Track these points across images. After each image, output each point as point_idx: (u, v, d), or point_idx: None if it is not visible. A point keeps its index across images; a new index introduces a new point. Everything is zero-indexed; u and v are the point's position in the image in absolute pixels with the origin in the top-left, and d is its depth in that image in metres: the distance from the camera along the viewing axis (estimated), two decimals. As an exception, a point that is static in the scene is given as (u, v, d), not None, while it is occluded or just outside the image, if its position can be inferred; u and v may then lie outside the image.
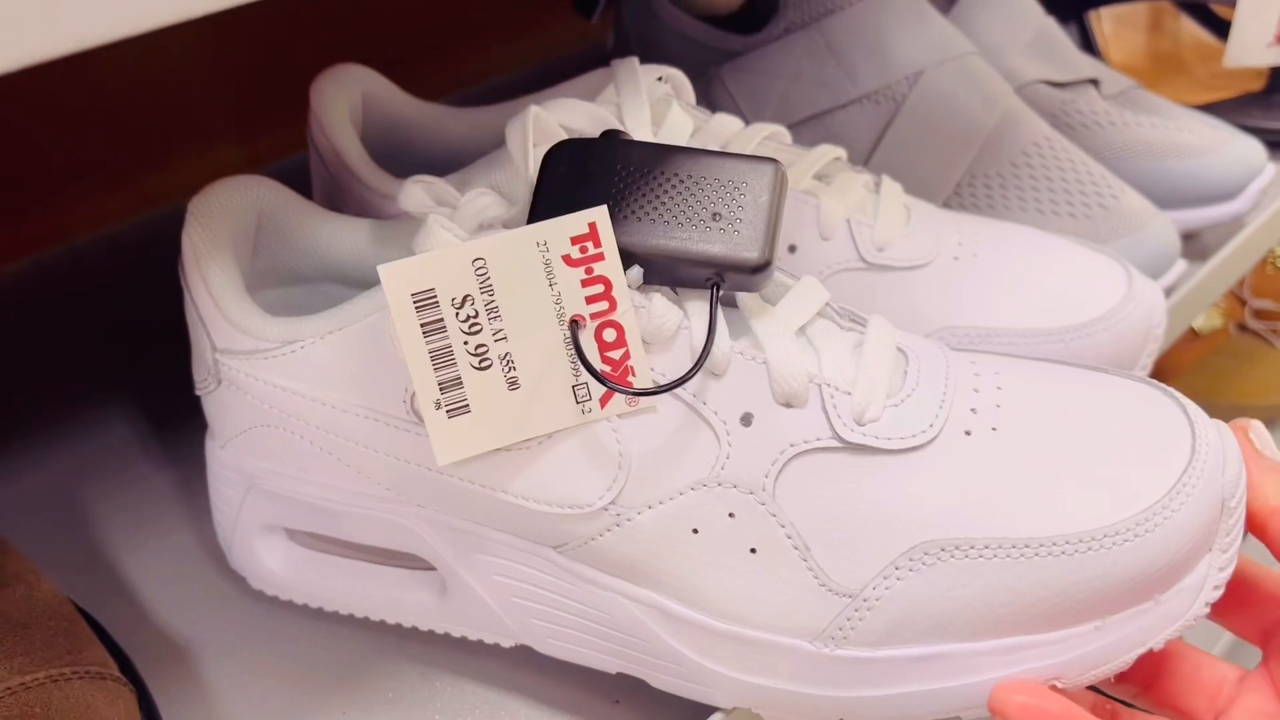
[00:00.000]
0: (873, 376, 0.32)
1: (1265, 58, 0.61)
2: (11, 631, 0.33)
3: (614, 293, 0.31)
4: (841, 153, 0.44)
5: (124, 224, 0.61)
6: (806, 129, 0.52)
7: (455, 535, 0.35)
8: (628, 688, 0.36)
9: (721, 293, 0.32)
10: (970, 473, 0.31)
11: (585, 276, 0.31)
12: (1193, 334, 0.96)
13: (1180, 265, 0.50)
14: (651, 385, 0.31)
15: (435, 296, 0.30)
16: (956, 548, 0.30)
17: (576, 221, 0.30)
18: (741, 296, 0.33)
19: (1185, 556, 0.30)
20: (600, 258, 0.31)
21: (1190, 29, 0.74)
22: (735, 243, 0.31)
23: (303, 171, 0.46)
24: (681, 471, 0.31)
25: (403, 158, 0.45)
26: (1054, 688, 0.30)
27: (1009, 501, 0.30)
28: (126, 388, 0.50)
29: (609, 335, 0.31)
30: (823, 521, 0.31)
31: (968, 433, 0.31)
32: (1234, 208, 0.55)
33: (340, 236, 0.39)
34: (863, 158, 0.52)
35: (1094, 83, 0.59)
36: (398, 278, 0.29)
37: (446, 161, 0.45)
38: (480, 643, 0.37)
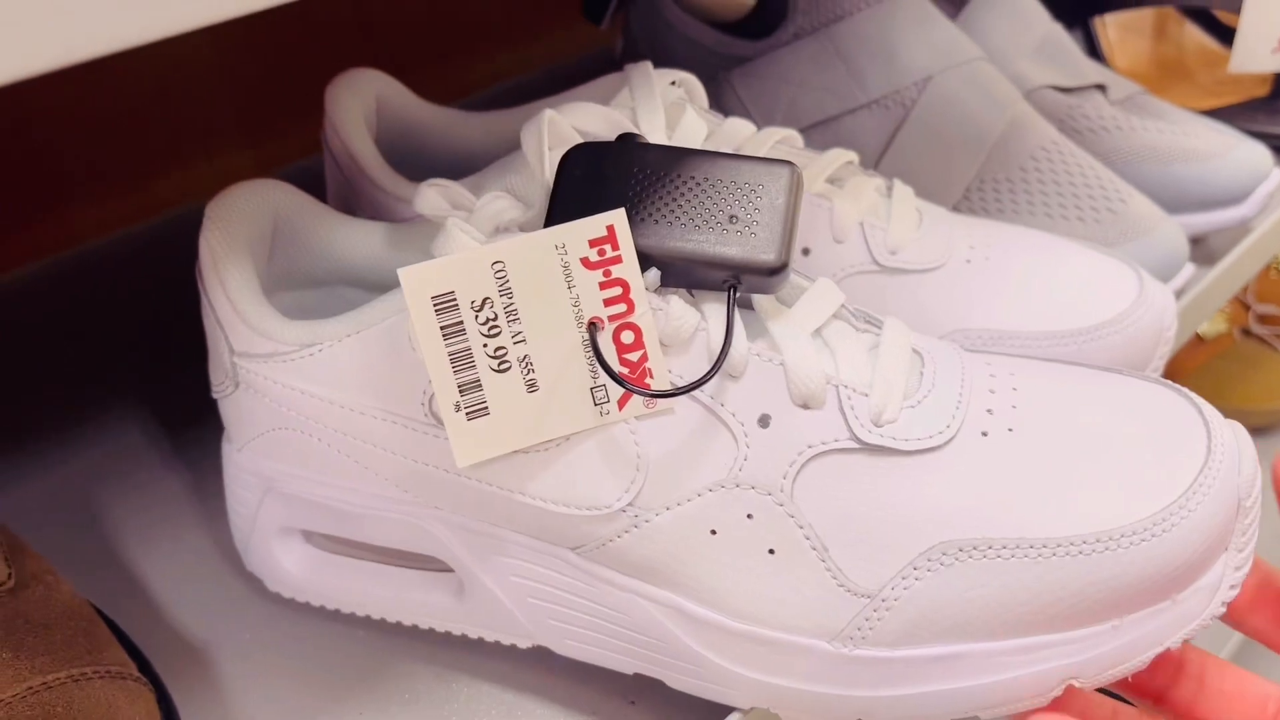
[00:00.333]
0: (889, 378, 0.32)
1: (1270, 63, 0.61)
2: (32, 632, 0.33)
3: (632, 295, 0.31)
4: (853, 156, 0.44)
5: (136, 228, 0.61)
6: (815, 134, 0.53)
7: (473, 537, 0.35)
8: (645, 688, 0.36)
9: (738, 295, 0.32)
10: (987, 473, 0.31)
11: (603, 279, 0.31)
12: (1197, 339, 0.97)
13: (1188, 269, 0.51)
14: (669, 387, 0.31)
15: (455, 299, 0.30)
16: (974, 548, 0.30)
17: (594, 224, 0.31)
18: (757, 298, 0.33)
19: (1202, 556, 0.30)
20: (618, 260, 0.31)
21: (1195, 35, 0.74)
22: (752, 245, 0.32)
23: (313, 176, 0.46)
24: (699, 473, 0.32)
25: (417, 161, 0.45)
26: (1071, 688, 0.31)
27: (1026, 502, 0.30)
28: (141, 390, 0.50)
29: (627, 337, 0.31)
30: (841, 522, 0.31)
31: (984, 434, 0.32)
32: (1241, 212, 0.55)
33: (355, 240, 0.39)
34: (872, 163, 0.52)
35: (1101, 88, 0.59)
36: (418, 281, 0.30)
37: (460, 165, 0.45)
38: (497, 644, 0.37)
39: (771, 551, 0.31)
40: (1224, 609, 0.31)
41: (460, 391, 0.31)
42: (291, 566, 0.39)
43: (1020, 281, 0.42)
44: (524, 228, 0.33)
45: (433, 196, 0.35)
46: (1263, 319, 0.98)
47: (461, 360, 0.31)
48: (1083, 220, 0.50)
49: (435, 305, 0.30)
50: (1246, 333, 0.98)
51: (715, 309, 0.32)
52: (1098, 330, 0.41)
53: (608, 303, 0.31)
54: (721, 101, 0.54)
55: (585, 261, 0.31)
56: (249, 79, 0.65)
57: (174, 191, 0.64)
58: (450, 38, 0.73)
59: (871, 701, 0.31)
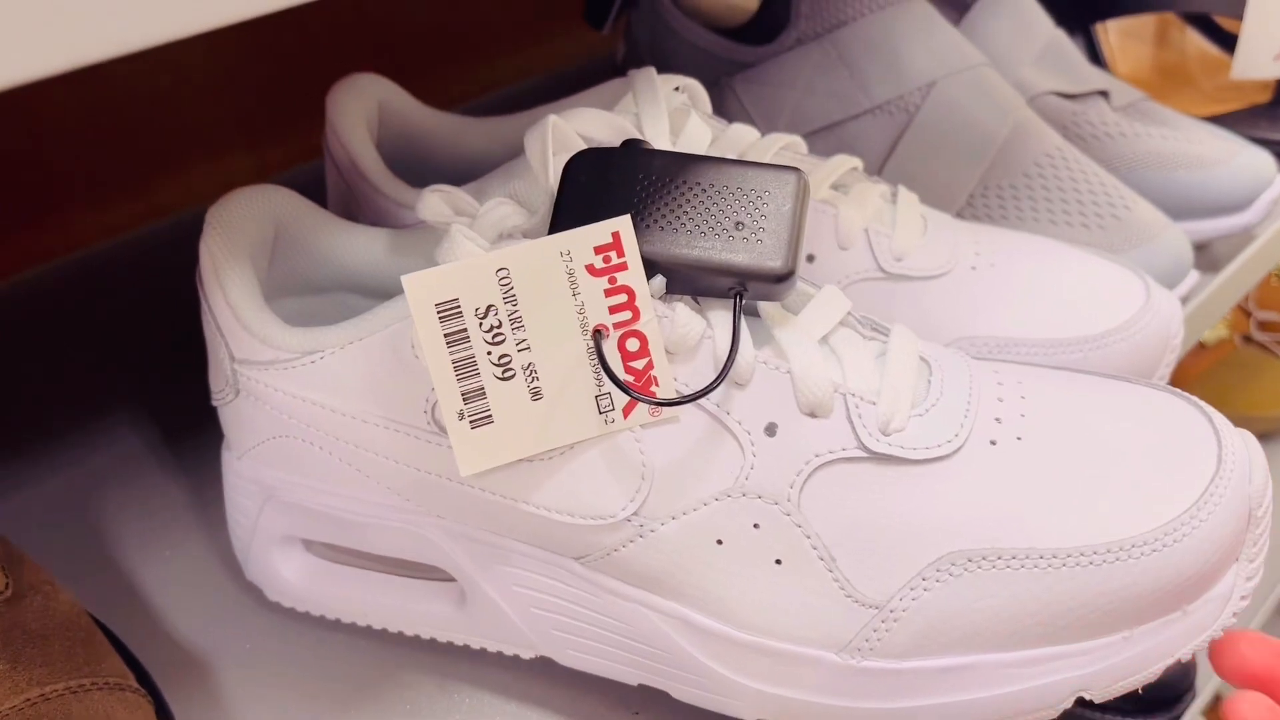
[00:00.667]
0: (897, 386, 0.32)
1: (1272, 70, 0.61)
2: (30, 642, 0.32)
3: (637, 302, 0.31)
4: (858, 162, 0.44)
5: (136, 232, 0.61)
6: (819, 140, 0.52)
7: (475, 546, 0.35)
8: (649, 700, 0.35)
9: (744, 302, 0.32)
10: (996, 483, 0.31)
11: (608, 286, 0.31)
12: (1198, 345, 0.96)
13: (1193, 276, 0.50)
14: (675, 395, 0.31)
15: (459, 306, 0.30)
16: (984, 558, 0.30)
17: (600, 231, 0.30)
18: (763, 305, 0.33)
19: (1213, 566, 0.30)
20: (623, 267, 0.31)
21: (1196, 41, 0.74)
22: (759, 252, 0.31)
23: (314, 181, 0.46)
24: (705, 482, 0.31)
25: (418, 167, 0.45)
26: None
27: (1036, 512, 0.30)
28: (140, 397, 0.50)
29: (632, 345, 0.31)
30: (848, 532, 0.30)
31: (993, 442, 0.31)
32: (1244, 219, 0.55)
33: (357, 246, 0.39)
34: (875, 169, 0.52)
35: (1104, 94, 0.59)
36: (422, 288, 0.29)
37: (462, 171, 0.45)
38: (500, 654, 0.37)
39: (778, 562, 0.31)
40: (1235, 620, 0.31)
41: (464, 399, 0.31)
42: (292, 576, 0.38)
43: (1026, 288, 0.42)
44: (528, 234, 0.33)
45: (435, 202, 0.35)
46: (1263, 325, 0.98)
47: (465, 368, 0.30)
48: (1087, 227, 0.50)
49: (439, 312, 0.30)
50: (1247, 339, 0.98)
51: (721, 316, 0.32)
52: (1104, 338, 0.41)
53: (613, 310, 0.31)
54: (724, 107, 0.54)
55: (590, 268, 0.30)
56: (250, 83, 0.65)
57: (175, 196, 0.64)
58: (452, 43, 0.73)
59: (879, 713, 0.31)
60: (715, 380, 0.30)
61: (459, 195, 0.36)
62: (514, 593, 0.35)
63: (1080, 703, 0.30)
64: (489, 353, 0.30)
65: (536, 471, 0.32)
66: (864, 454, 0.31)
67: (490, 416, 0.31)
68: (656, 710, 0.36)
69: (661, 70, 0.40)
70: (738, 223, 0.32)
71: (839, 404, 0.31)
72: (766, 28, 0.55)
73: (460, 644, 0.37)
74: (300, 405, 0.34)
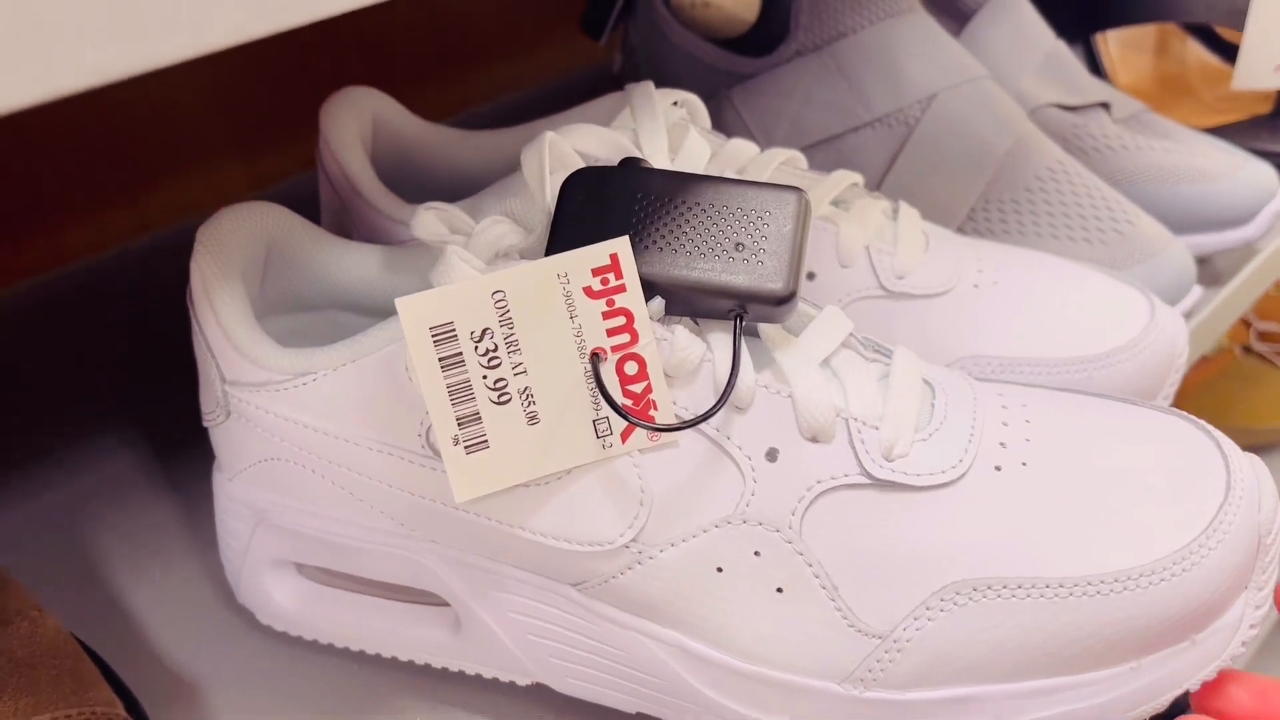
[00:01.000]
0: (900, 410, 0.31)
1: (1274, 81, 0.60)
2: (15, 671, 0.32)
3: (636, 325, 0.30)
4: (858, 178, 0.43)
5: (128, 245, 0.60)
6: (818, 152, 0.52)
7: (471, 572, 0.34)
8: (647, 728, 0.35)
9: (744, 324, 0.31)
10: (1001, 510, 0.30)
11: (606, 308, 0.30)
12: (1199, 357, 0.96)
13: (1196, 291, 0.50)
14: (674, 420, 0.31)
15: (454, 330, 0.29)
16: (989, 587, 0.29)
17: (598, 252, 0.30)
18: (764, 327, 0.32)
19: (1222, 595, 0.29)
20: (622, 289, 0.30)
21: (1197, 52, 0.74)
22: (759, 274, 0.31)
23: (308, 192, 0.45)
24: (705, 508, 0.31)
25: (413, 182, 0.45)
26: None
27: (1042, 540, 0.30)
28: (130, 414, 0.49)
29: (630, 368, 0.30)
30: (851, 560, 0.30)
31: (997, 468, 0.31)
32: (1247, 233, 0.55)
33: (351, 264, 0.38)
34: (875, 182, 0.51)
35: (1105, 106, 0.58)
36: (416, 311, 0.29)
37: (458, 185, 0.45)
38: (495, 680, 0.36)
39: (780, 590, 0.30)
40: (1244, 649, 0.30)
41: (459, 424, 0.30)
42: (284, 599, 0.38)
43: (1029, 307, 0.41)
44: (524, 253, 0.33)
45: (430, 221, 0.35)
46: (1263, 336, 0.97)
47: (460, 392, 0.30)
48: (1089, 242, 0.49)
49: (434, 336, 0.29)
50: (1247, 350, 0.97)
51: (721, 339, 0.31)
52: (1109, 357, 0.40)
53: (611, 333, 0.30)
54: (722, 119, 0.54)
55: (588, 291, 0.30)
56: (243, 93, 0.64)
57: (167, 208, 0.63)
58: (447, 52, 0.72)
59: (882, 745, 0.31)
60: (715, 405, 0.30)
61: (454, 213, 0.35)
62: (510, 619, 0.34)
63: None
64: (484, 377, 0.30)
65: (533, 497, 0.31)
66: (867, 480, 0.30)
67: (486, 442, 0.30)
68: (655, 738, 0.35)
69: (658, 81, 0.39)
70: (738, 244, 0.31)
71: (841, 429, 0.31)
72: (765, 39, 0.54)
73: (455, 670, 0.37)
74: (292, 428, 0.34)
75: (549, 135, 0.34)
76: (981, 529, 0.30)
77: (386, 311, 0.38)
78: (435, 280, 0.30)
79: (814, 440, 0.31)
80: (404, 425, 0.32)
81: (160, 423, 0.48)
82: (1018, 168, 0.51)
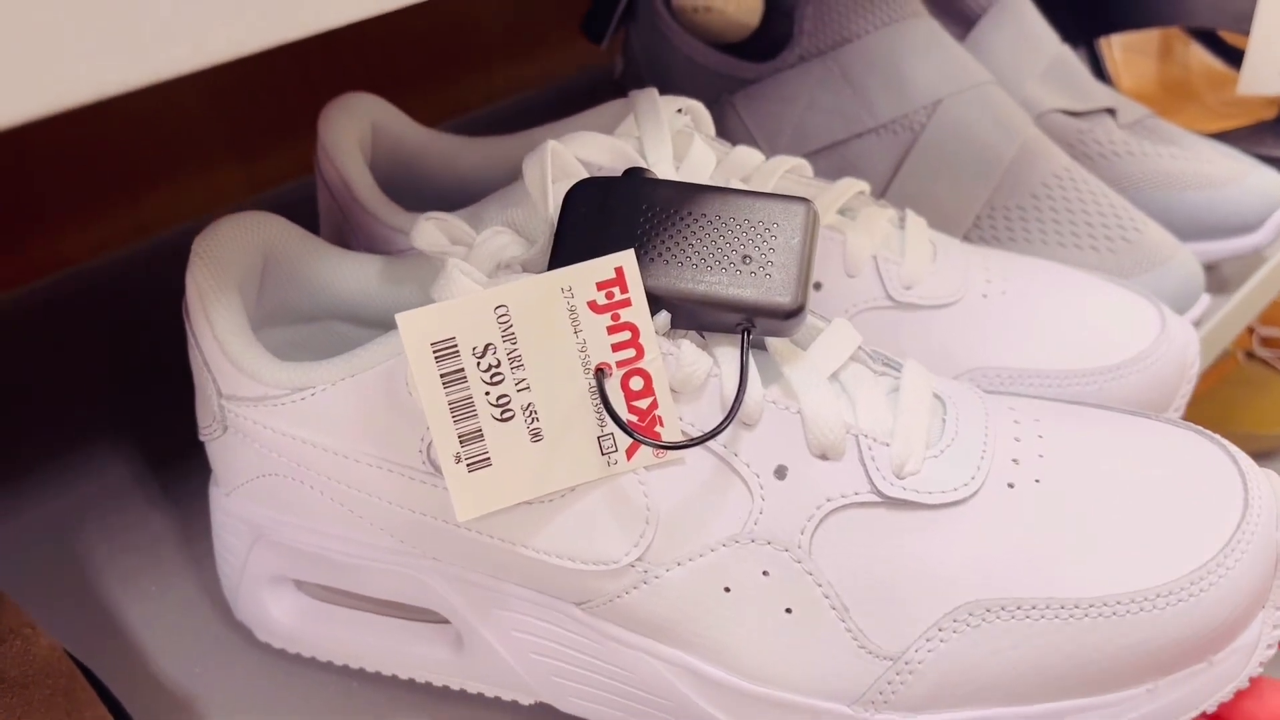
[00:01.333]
0: (911, 426, 0.30)
1: (1279, 86, 0.60)
2: (8, 691, 0.31)
3: (641, 339, 0.30)
4: (865, 186, 0.42)
5: (125, 250, 0.60)
6: (822, 159, 0.51)
7: (472, 590, 0.33)
8: (652, 748, 0.34)
9: (752, 338, 0.30)
10: (1015, 528, 0.30)
11: (611, 323, 0.29)
12: (1201, 362, 0.95)
13: (1205, 300, 0.49)
14: (681, 437, 0.30)
15: (456, 346, 0.29)
16: (1003, 608, 0.29)
17: (603, 266, 0.29)
18: (771, 340, 0.32)
19: (1240, 615, 0.29)
20: (627, 303, 0.29)
21: (1201, 56, 0.73)
22: (767, 287, 0.30)
23: (306, 197, 0.44)
24: (712, 527, 0.30)
25: (413, 189, 0.44)
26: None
27: (1056, 559, 0.29)
28: (127, 425, 0.48)
29: (636, 384, 0.30)
30: (862, 581, 0.29)
31: (1010, 485, 0.30)
32: (1255, 240, 0.54)
33: (350, 274, 0.38)
34: (880, 189, 0.51)
35: (1110, 112, 0.58)
36: (417, 327, 0.28)
37: (458, 193, 0.44)
38: (498, 699, 0.36)
39: (789, 611, 0.30)
40: (1261, 670, 0.30)
41: (461, 442, 0.29)
42: (282, 616, 0.37)
43: (1039, 318, 0.41)
44: (526, 265, 0.32)
45: (430, 231, 0.34)
46: (1266, 341, 0.97)
47: (462, 409, 0.29)
48: (1096, 250, 0.49)
49: (435, 352, 0.28)
50: (1250, 355, 0.97)
51: (728, 353, 0.31)
52: (1120, 369, 0.40)
53: (616, 347, 0.30)
54: (724, 124, 0.53)
55: (593, 305, 0.29)
56: (242, 98, 0.64)
57: (164, 213, 0.63)
58: (447, 57, 0.72)
59: (893, 768, 0.30)
60: (723, 421, 0.29)
61: (455, 223, 0.34)
62: (512, 638, 0.34)
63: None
64: (487, 393, 0.29)
65: (536, 515, 0.31)
66: (877, 498, 0.30)
67: (488, 459, 0.30)
68: (660, 758, 0.35)
69: (660, 86, 0.39)
70: (745, 256, 0.31)
71: (851, 445, 0.30)
72: (768, 44, 0.54)
73: (456, 689, 0.36)
74: (290, 443, 0.33)
75: (551, 144, 0.33)
76: (995, 548, 0.29)
77: (386, 323, 0.37)
78: (436, 294, 0.30)
79: (823, 457, 0.30)
80: (404, 441, 0.31)
81: (158, 433, 0.48)
82: (1024, 174, 0.50)
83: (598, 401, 0.30)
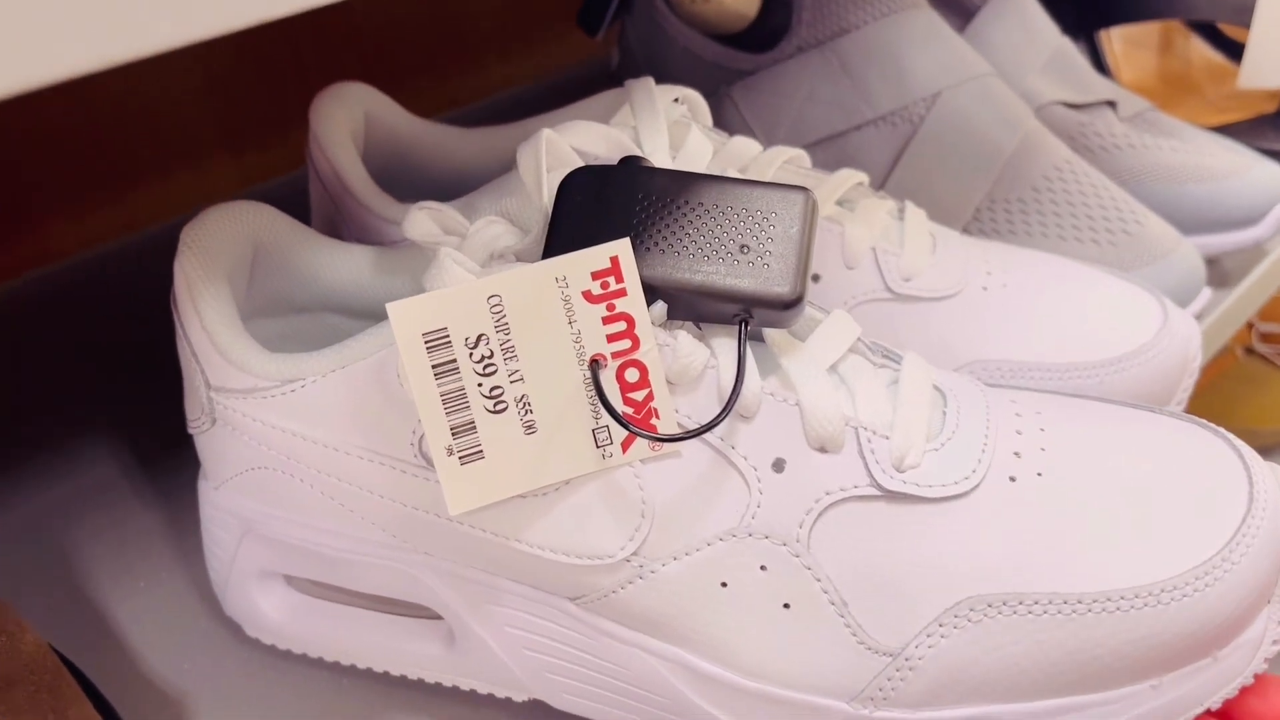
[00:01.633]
0: (911, 418, 0.30)
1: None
2: (-9, 690, 0.31)
3: (637, 330, 0.29)
4: (864, 177, 0.42)
5: (115, 244, 0.59)
6: (820, 150, 0.51)
7: (465, 585, 0.33)
8: (648, 746, 0.34)
9: (750, 329, 0.30)
10: (1017, 522, 0.29)
11: (606, 313, 0.29)
12: (1202, 358, 0.95)
13: (1206, 294, 0.49)
14: (677, 429, 0.29)
15: (448, 336, 0.28)
16: (1004, 603, 0.28)
17: (598, 255, 0.29)
18: (769, 332, 0.31)
19: (1245, 610, 0.28)
20: (622, 293, 0.29)
21: (1201, 50, 0.73)
22: (765, 277, 0.30)
23: (299, 190, 0.44)
24: (709, 521, 0.29)
25: (406, 180, 0.43)
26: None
27: (1059, 554, 0.29)
28: (115, 419, 0.48)
29: (631, 375, 0.29)
30: (861, 576, 0.29)
31: (1012, 479, 0.30)
32: (1256, 233, 0.54)
33: (341, 265, 0.37)
34: (879, 181, 0.50)
35: (1111, 104, 0.57)
36: (408, 317, 0.28)
37: (451, 184, 0.43)
38: (491, 696, 0.35)
39: (787, 606, 0.29)
40: (1266, 666, 0.29)
41: (453, 434, 0.29)
42: (272, 611, 0.37)
43: (1040, 310, 0.40)
44: (520, 255, 0.31)
45: (423, 221, 0.33)
46: (1265, 337, 0.96)
47: (455, 401, 0.28)
48: (1097, 243, 0.48)
49: (427, 342, 0.28)
50: (1250, 351, 0.96)
51: (725, 344, 0.30)
52: (1121, 362, 0.39)
53: (611, 338, 0.29)
54: (722, 116, 0.52)
55: (587, 295, 0.29)
56: (232, 88, 0.63)
57: (154, 204, 0.62)
58: (441, 48, 0.71)
59: (893, 766, 0.29)
60: (720, 414, 0.28)
61: (448, 213, 0.34)
62: (506, 633, 0.33)
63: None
64: (480, 384, 0.29)
65: (530, 508, 0.30)
66: (877, 492, 0.29)
67: (481, 452, 0.29)
68: (655, 755, 0.34)
69: (658, 79, 0.38)
70: (743, 246, 0.30)
71: (850, 438, 0.30)
72: (766, 35, 0.53)
73: (449, 685, 0.35)
74: (280, 436, 0.32)
75: (546, 133, 0.33)
76: (996, 543, 0.29)
77: (377, 314, 0.37)
78: (429, 284, 0.29)
79: (822, 450, 0.29)
80: (396, 434, 0.31)
81: (146, 427, 0.47)
82: (1024, 167, 0.50)
83: (593, 393, 0.29)
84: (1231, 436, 0.31)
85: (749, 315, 0.30)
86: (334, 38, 0.66)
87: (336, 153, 0.40)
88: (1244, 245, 0.54)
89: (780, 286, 0.30)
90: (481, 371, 0.28)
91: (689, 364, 0.29)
